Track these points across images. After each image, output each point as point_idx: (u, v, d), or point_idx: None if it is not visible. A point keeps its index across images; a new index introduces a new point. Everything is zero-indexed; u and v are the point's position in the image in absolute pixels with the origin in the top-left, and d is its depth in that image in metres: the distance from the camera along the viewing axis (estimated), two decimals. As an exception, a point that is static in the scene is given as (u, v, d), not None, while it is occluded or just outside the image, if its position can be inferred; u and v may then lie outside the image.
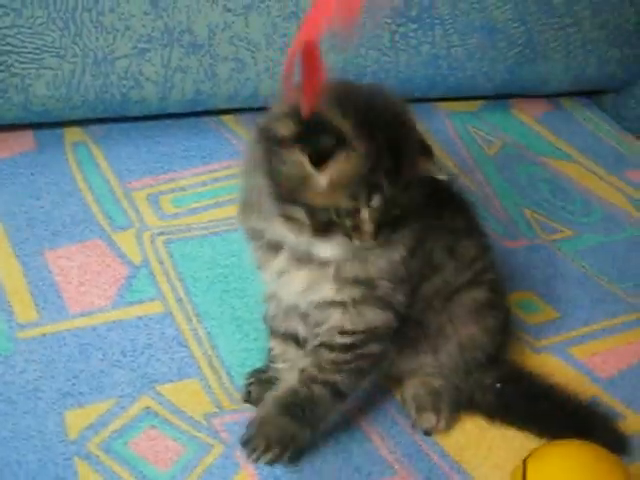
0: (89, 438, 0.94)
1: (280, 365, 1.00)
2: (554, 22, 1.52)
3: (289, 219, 0.84)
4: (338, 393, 0.91)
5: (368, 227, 0.83)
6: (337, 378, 0.91)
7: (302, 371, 0.91)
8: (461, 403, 1.01)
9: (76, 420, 0.96)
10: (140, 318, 1.09)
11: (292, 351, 0.99)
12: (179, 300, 1.12)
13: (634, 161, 1.55)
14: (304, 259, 0.88)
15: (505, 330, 1.02)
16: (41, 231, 1.18)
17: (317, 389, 0.90)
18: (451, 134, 1.50)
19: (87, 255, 1.16)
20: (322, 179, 0.81)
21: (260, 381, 1.00)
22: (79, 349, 1.04)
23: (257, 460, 0.89)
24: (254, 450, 0.89)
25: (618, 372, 1.10)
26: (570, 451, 0.88)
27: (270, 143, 0.83)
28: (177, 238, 1.21)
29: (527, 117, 1.59)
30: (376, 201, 0.82)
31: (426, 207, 0.88)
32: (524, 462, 0.89)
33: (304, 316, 0.94)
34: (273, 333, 1.01)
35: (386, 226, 0.85)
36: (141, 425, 0.96)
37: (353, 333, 0.90)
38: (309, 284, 0.90)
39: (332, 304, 0.90)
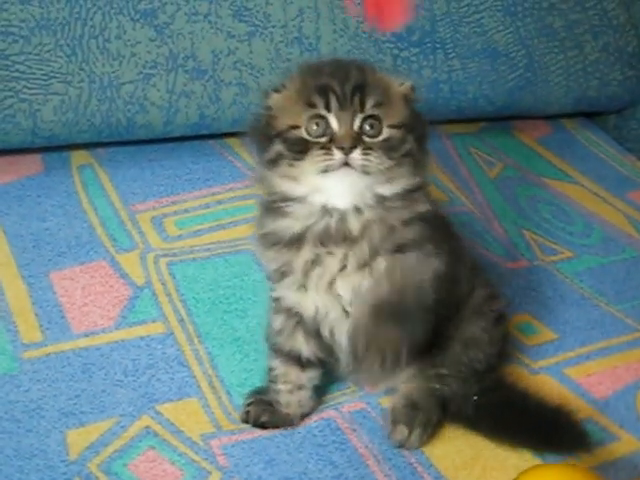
0: (89, 458, 0.95)
1: (280, 386, 1.01)
2: (555, 45, 1.54)
3: (273, 162, 0.88)
4: None
5: (340, 131, 0.86)
6: None
7: None
8: (441, 419, 1.01)
9: (77, 439, 0.97)
10: (142, 338, 1.10)
11: (294, 373, 1.01)
12: (181, 321, 1.13)
13: (636, 182, 1.55)
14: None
15: (504, 326, 1.07)
16: (46, 252, 1.20)
17: None
18: (452, 155, 1.51)
19: (91, 276, 1.18)
20: (277, 96, 0.90)
21: (260, 402, 1.02)
22: (82, 369, 1.05)
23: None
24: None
25: (613, 393, 1.10)
26: (556, 474, 0.88)
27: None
28: (180, 260, 1.23)
29: (528, 139, 1.60)
30: (334, 103, 0.85)
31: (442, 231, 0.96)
32: (511, 485, 0.89)
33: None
34: (276, 352, 1.01)
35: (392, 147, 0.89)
36: (140, 445, 0.97)
37: None
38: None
39: None
